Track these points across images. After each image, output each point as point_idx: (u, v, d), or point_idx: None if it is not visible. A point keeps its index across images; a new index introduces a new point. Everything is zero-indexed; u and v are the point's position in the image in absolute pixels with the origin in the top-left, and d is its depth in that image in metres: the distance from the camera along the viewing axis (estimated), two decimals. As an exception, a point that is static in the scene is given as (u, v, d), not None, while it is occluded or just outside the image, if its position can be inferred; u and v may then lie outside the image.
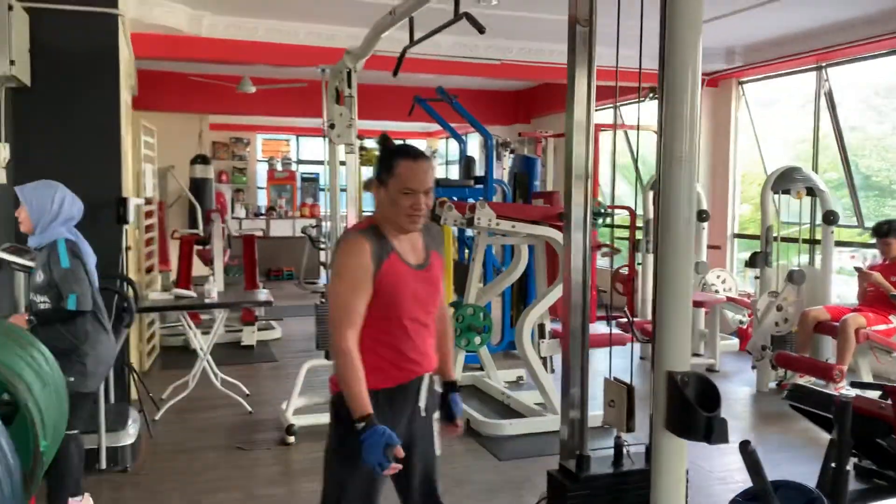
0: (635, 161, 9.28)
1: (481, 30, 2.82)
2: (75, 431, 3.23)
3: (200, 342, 5.33)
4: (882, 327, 5.29)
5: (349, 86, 4.62)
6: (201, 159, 10.65)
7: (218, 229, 7.50)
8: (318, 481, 2.32)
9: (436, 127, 14.02)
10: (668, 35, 1.69)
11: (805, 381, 5.66)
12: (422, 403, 2.32)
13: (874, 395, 3.20)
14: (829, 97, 6.99)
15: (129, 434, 4.20)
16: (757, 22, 6.42)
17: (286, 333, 7.88)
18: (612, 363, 2.36)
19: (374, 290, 2.17)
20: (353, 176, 4.79)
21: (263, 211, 14.10)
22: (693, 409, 1.65)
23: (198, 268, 8.00)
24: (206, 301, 5.17)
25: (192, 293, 5.31)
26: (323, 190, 13.98)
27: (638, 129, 2.31)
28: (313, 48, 6.69)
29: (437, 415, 2.42)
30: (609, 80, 2.24)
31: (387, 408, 2.20)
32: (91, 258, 3.29)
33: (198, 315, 7.02)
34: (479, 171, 7.63)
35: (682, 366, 1.72)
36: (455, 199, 5.70)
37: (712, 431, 1.65)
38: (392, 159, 2.20)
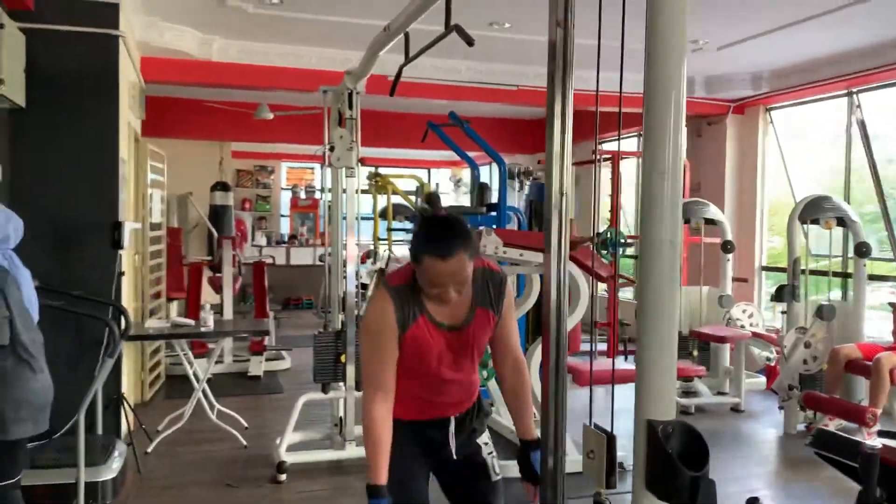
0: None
1: (470, 42, 2.64)
2: (14, 479, 2.88)
3: (197, 372, 5.15)
4: (919, 367, 4.93)
5: (350, 107, 4.46)
6: (221, 186, 10.62)
7: (228, 256, 7.37)
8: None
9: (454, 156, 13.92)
10: (649, 37, 1.47)
11: (835, 424, 5.29)
12: (452, 446, 2.31)
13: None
14: (862, 125, 6.67)
15: (112, 468, 4.01)
16: (783, 46, 6.17)
17: (296, 364, 7.68)
18: (614, 403, 2.12)
19: (400, 348, 2.16)
20: (352, 203, 4.59)
21: (286, 239, 14.04)
22: (676, 466, 1.40)
23: (214, 296, 7.86)
24: (202, 330, 4.99)
25: (189, 321, 5.14)
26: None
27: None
28: (325, 72, 6.56)
29: (486, 437, 2.41)
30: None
31: (411, 433, 2.25)
32: (26, 286, 2.93)
33: (204, 344, 6.87)
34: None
35: (665, 413, 1.48)
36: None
37: (697, 495, 1.39)
38: (419, 251, 2.07)
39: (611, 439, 1.68)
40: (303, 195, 14.54)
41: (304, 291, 12.62)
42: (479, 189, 6.89)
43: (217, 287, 7.71)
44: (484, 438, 2.39)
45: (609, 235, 6.28)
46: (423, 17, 3.20)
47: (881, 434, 2.48)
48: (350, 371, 4.59)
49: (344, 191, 4.70)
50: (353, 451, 4.60)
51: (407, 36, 3.44)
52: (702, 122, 8.21)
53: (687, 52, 1.62)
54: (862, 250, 5.59)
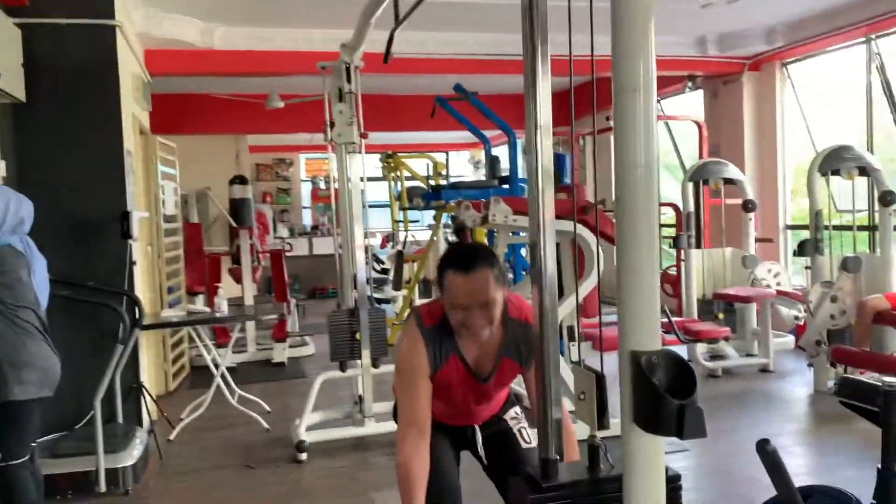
0: (676, 152, 8.88)
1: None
2: (21, 460, 2.83)
3: (216, 358, 5.16)
4: (951, 315, 4.76)
5: (349, 81, 4.40)
6: (239, 180, 10.64)
7: (246, 245, 7.38)
8: (321, 500, 2.22)
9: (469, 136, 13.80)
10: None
11: (867, 378, 5.13)
12: (481, 452, 2.36)
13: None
14: (882, 71, 6.45)
15: (132, 455, 4.03)
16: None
17: (320, 349, 7.67)
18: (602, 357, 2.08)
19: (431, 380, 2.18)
20: (355, 180, 4.53)
21: (308, 230, 14.06)
22: (660, 396, 1.33)
23: (237, 289, 7.87)
24: (217, 315, 4.99)
25: (205, 308, 5.16)
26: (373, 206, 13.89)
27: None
28: (331, 54, 6.52)
29: (515, 411, 2.44)
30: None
31: (439, 427, 2.25)
32: (40, 272, 2.98)
33: (227, 333, 6.89)
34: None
35: (649, 343, 1.40)
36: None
37: (684, 423, 1.32)
38: (443, 269, 2.10)
39: (600, 378, 1.61)
40: (322, 185, 14.55)
41: (329, 281, 12.63)
42: (491, 162, 6.81)
43: (238, 278, 7.73)
44: (512, 413, 2.41)
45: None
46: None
47: (901, 372, 2.37)
48: (365, 350, 4.56)
49: (348, 179, 4.62)
50: (373, 427, 4.58)
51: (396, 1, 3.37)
52: (718, 81, 8.01)
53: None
54: (887, 199, 5.40)
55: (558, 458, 1.70)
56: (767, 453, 2.02)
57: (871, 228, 6.36)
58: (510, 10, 6.21)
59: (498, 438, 2.38)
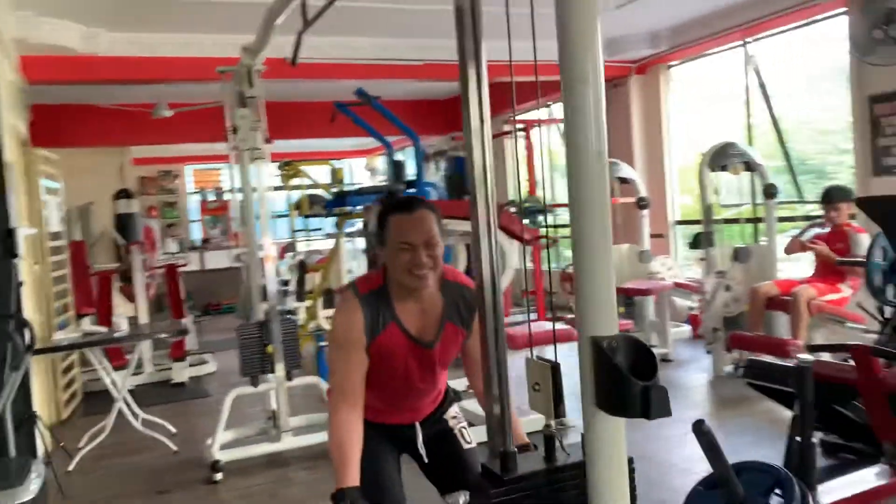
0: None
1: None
2: None
3: (115, 381, 4.87)
4: (832, 297, 5.12)
5: (251, 85, 4.27)
6: (124, 194, 10.16)
7: (138, 262, 7.03)
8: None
9: (376, 143, 13.71)
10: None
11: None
12: (421, 450, 2.31)
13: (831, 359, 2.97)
14: (758, 73, 6.88)
15: (29, 490, 3.70)
16: (679, 1, 6.30)
17: (222, 367, 7.40)
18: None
19: (369, 355, 2.12)
20: (261, 188, 4.40)
21: (199, 244, 13.55)
22: (624, 378, 1.35)
23: (130, 308, 7.47)
24: (116, 335, 4.72)
25: (101, 329, 4.86)
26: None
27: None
28: (223, 60, 6.30)
29: (455, 410, 2.41)
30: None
31: (377, 430, 2.23)
32: None
33: (122, 355, 6.53)
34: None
35: (607, 329, 1.42)
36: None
37: (650, 404, 1.34)
38: (385, 215, 2.11)
39: (555, 368, 1.62)
40: (212, 197, 14.06)
41: (224, 296, 12.21)
42: (395, 166, 6.79)
43: (130, 296, 7.35)
44: (451, 413, 2.38)
45: (523, 201, 6.28)
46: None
47: (811, 349, 2.52)
48: (279, 363, 4.42)
49: (253, 188, 4.48)
50: (291, 442, 4.45)
51: (304, 2, 3.29)
52: (607, 85, 8.30)
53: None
54: (770, 191, 5.77)
55: (516, 450, 1.69)
56: (703, 433, 2.09)
57: (755, 220, 6.77)
58: (408, 15, 6.26)
59: (439, 438, 2.34)
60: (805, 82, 7.16)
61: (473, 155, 1.81)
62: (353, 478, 1.97)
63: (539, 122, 7.17)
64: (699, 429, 2.08)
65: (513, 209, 5.86)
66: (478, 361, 2.19)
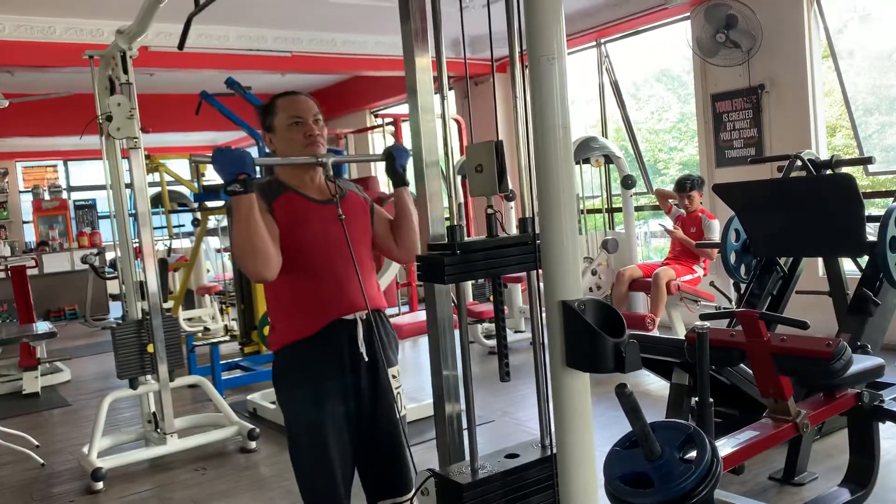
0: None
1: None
2: None
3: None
4: (689, 277, 5.59)
5: (125, 72, 4.04)
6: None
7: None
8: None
9: (226, 138, 13.24)
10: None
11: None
12: (362, 349, 2.16)
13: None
14: (611, 71, 7.35)
15: None
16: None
17: (77, 375, 6.92)
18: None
19: (276, 224, 2.08)
20: (139, 180, 4.17)
21: (33, 246, 12.49)
22: (597, 335, 1.45)
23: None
24: (-29, 341, 4.31)
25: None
26: (103, 217, 12.68)
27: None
28: (74, 45, 5.90)
29: (396, 370, 2.27)
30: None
31: (313, 355, 2.12)
32: None
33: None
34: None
35: (575, 294, 1.52)
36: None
37: (623, 358, 1.45)
38: (271, 104, 2.22)
39: (498, 145, 1.83)
40: (47, 196, 13.01)
41: (66, 301, 11.36)
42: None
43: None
44: (394, 371, 2.25)
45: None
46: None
47: (704, 317, 2.77)
48: (162, 364, 4.21)
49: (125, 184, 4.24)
50: (176, 445, 4.26)
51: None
52: (470, 83, 8.54)
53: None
54: (628, 182, 6.19)
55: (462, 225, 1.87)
56: (625, 396, 2.26)
57: (611, 211, 7.24)
58: (275, 5, 6.14)
59: (378, 392, 2.21)
60: (632, 86, 7.77)
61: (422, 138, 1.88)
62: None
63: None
64: (622, 391, 2.24)
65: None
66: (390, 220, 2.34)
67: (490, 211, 1.86)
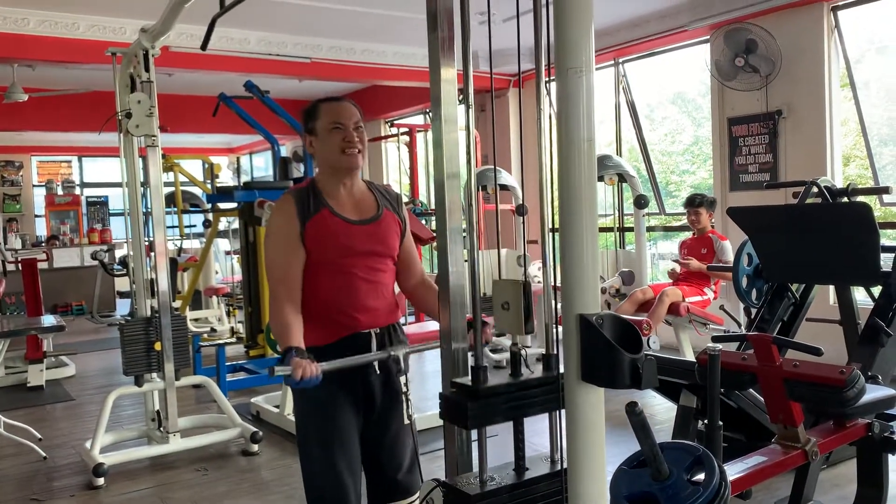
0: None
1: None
2: None
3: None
4: (697, 299, 5.55)
5: (147, 69, 4.07)
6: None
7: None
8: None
9: (240, 141, 13.30)
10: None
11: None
12: (377, 395, 2.25)
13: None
14: (628, 91, 7.36)
15: None
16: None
17: (82, 370, 6.93)
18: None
19: (305, 247, 2.17)
20: (156, 178, 4.19)
21: (44, 240, 12.55)
22: (615, 350, 1.44)
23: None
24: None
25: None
26: (115, 214, 12.74)
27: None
28: (97, 42, 5.95)
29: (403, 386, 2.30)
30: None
31: (332, 375, 2.11)
32: None
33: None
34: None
35: (591, 307, 1.51)
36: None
37: (640, 375, 1.44)
38: (314, 107, 2.25)
39: (526, 285, 1.79)
40: (60, 191, 13.08)
41: (73, 296, 11.40)
42: (282, 162, 6.64)
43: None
44: (404, 379, 2.31)
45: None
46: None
47: (716, 339, 2.75)
48: (169, 363, 4.21)
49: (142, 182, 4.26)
50: (179, 444, 4.25)
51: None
52: (487, 96, 8.56)
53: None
54: (640, 202, 6.17)
55: (486, 366, 1.80)
56: (636, 414, 2.24)
57: (621, 229, 7.23)
58: (297, 10, 6.17)
59: (389, 397, 2.27)
60: (647, 107, 7.77)
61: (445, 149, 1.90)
62: (298, 340, 2.08)
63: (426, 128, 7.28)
64: (632, 410, 2.23)
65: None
66: (414, 261, 2.39)
67: (514, 349, 1.84)
